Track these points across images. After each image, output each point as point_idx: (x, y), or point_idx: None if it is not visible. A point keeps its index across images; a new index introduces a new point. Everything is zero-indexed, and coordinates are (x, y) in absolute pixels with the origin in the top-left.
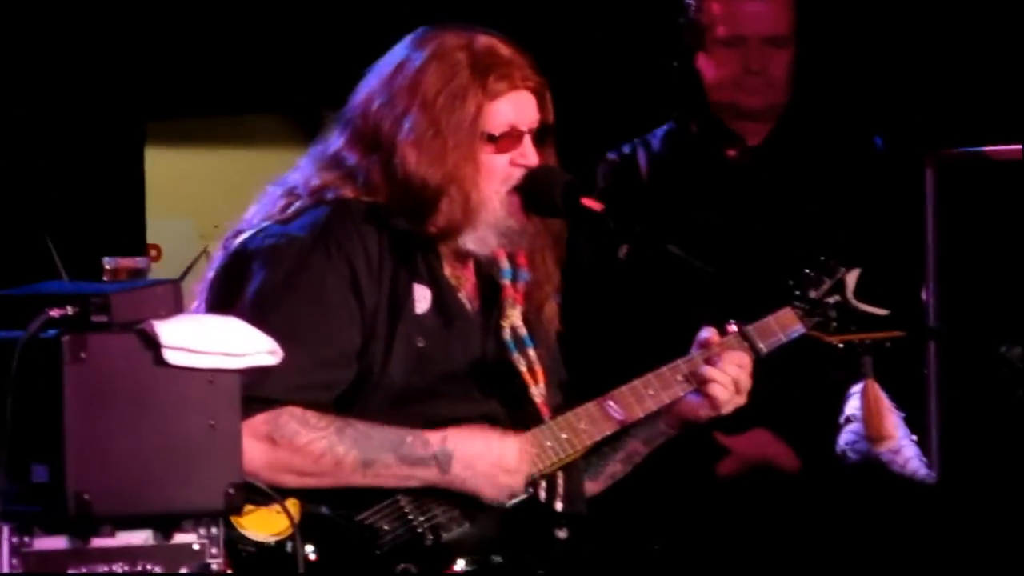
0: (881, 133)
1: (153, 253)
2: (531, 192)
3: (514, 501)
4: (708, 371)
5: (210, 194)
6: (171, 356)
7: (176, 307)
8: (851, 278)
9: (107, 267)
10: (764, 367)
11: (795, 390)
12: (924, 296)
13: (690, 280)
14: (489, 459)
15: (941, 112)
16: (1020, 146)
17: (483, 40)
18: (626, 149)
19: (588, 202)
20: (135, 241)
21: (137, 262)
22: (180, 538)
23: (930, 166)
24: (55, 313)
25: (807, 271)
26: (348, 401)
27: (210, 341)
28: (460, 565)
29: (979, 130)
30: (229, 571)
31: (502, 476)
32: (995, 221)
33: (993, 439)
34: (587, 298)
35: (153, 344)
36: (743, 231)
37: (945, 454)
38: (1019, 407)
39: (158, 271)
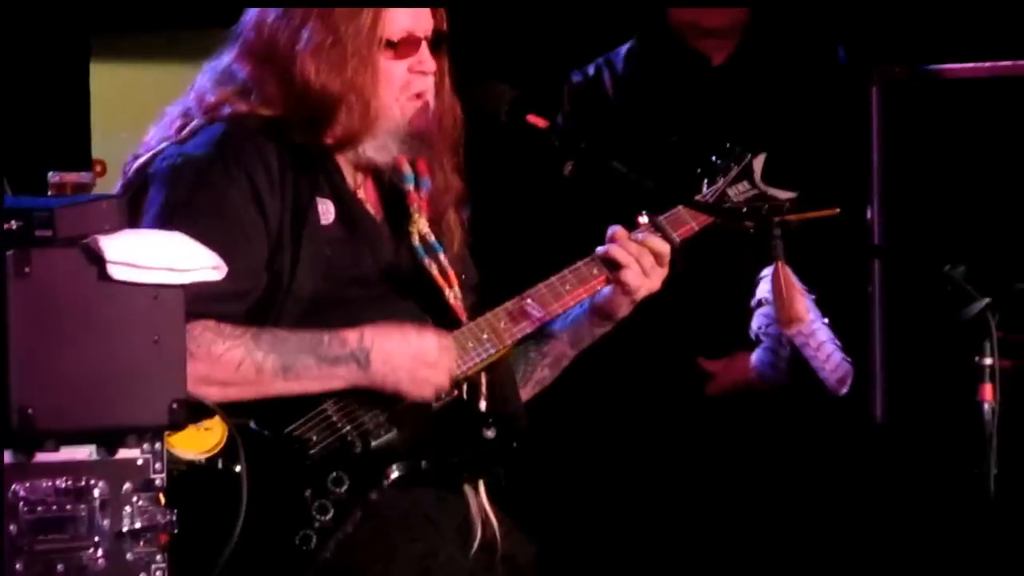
0: (842, 44)
1: (98, 168)
2: (477, 105)
3: (441, 400)
4: (613, 252)
5: (156, 110)
6: (115, 271)
7: (121, 223)
8: (758, 162)
9: (52, 181)
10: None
11: (705, 279)
12: (869, 214)
13: (635, 195)
14: (408, 353)
15: (889, 28)
16: (963, 65)
17: None
18: (590, 70)
19: (533, 119)
20: (80, 156)
21: (82, 177)
22: (124, 453)
23: (875, 82)
24: None
25: (714, 158)
26: (261, 313)
27: (154, 256)
28: (394, 472)
29: (927, 47)
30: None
31: (422, 369)
32: (939, 139)
33: (936, 358)
34: (535, 214)
35: (97, 259)
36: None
37: (889, 373)
38: (962, 326)
39: (103, 186)
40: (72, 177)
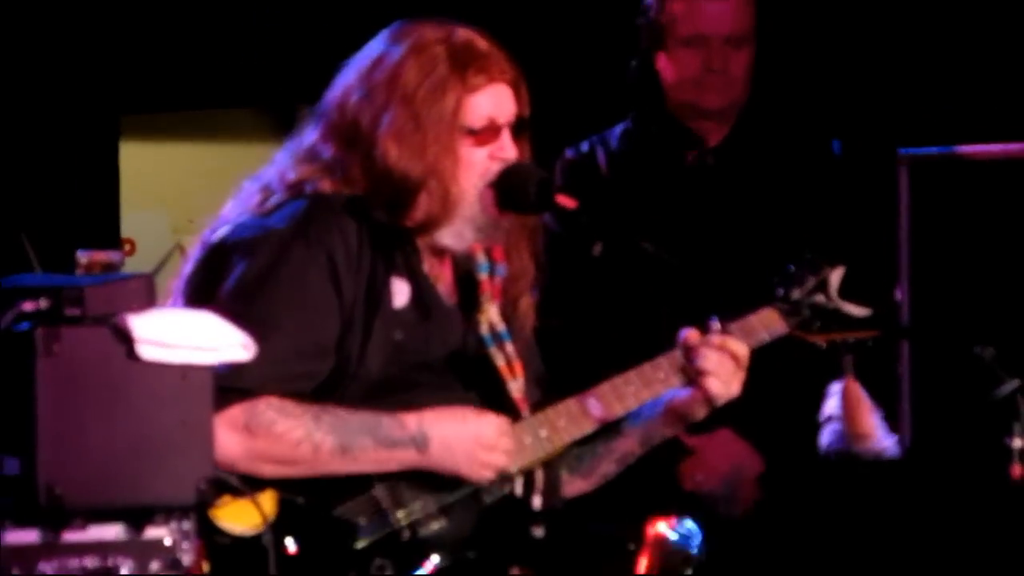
0: (842, 133)
1: (127, 247)
2: (506, 188)
3: (494, 495)
4: (699, 361)
5: (184, 188)
6: (144, 350)
7: (149, 301)
8: (835, 276)
9: (81, 260)
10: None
11: (770, 389)
12: (898, 295)
13: (664, 276)
14: (466, 436)
15: (911, 112)
16: (992, 146)
17: (461, 33)
18: (584, 147)
19: (562, 199)
20: (109, 234)
21: (111, 255)
22: (151, 532)
23: (903, 165)
24: (28, 306)
25: (790, 268)
26: (326, 393)
27: (183, 335)
28: (435, 561)
29: (949, 129)
30: (203, 564)
31: (481, 453)
32: (968, 220)
33: (966, 439)
34: (565, 293)
35: (126, 338)
36: (705, 232)
37: (917, 454)
38: (991, 406)
39: (132, 265)
40: (101, 256)
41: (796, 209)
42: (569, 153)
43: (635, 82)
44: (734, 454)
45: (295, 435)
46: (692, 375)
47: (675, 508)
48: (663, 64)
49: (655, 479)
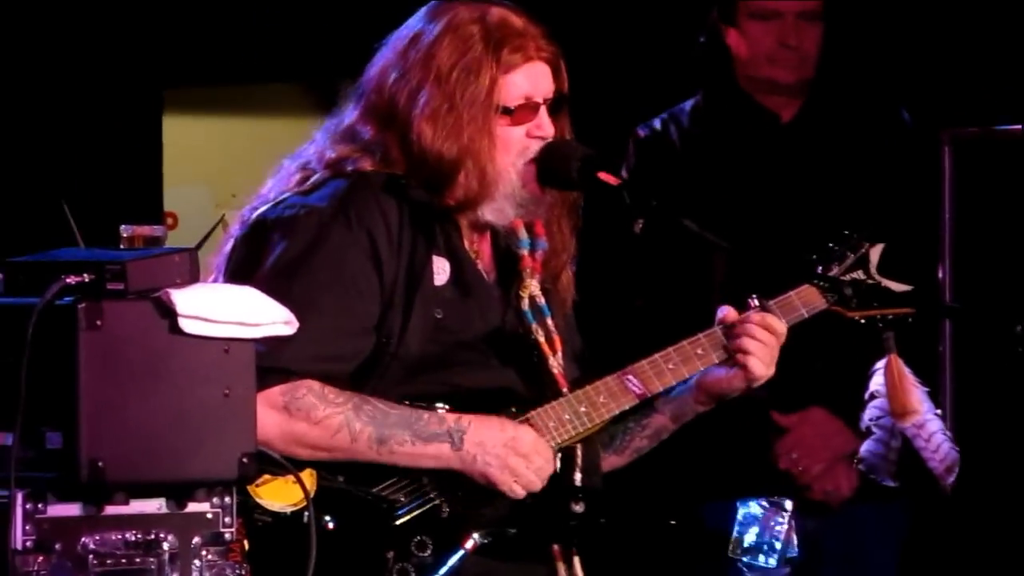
0: (906, 106)
1: (170, 221)
2: (547, 165)
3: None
4: (745, 342)
5: (227, 162)
6: (186, 325)
7: (192, 276)
8: (875, 253)
9: (124, 234)
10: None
11: (820, 367)
12: (940, 273)
13: (707, 254)
14: (502, 440)
15: (959, 89)
16: None
17: (496, 12)
18: (656, 123)
19: (604, 176)
20: (152, 209)
21: (154, 230)
22: (193, 507)
23: (947, 143)
24: (71, 280)
25: (831, 245)
26: (366, 371)
27: (226, 310)
28: (475, 537)
29: (998, 107)
30: (244, 540)
31: (513, 458)
32: (1010, 199)
33: (1007, 418)
34: (606, 270)
35: (169, 312)
36: (780, 206)
37: (959, 433)
38: None
39: (175, 239)
40: (144, 230)
41: (865, 183)
42: (642, 131)
43: (704, 58)
44: (829, 432)
45: (334, 422)
46: (732, 353)
47: (769, 487)
48: (734, 39)
49: (749, 458)
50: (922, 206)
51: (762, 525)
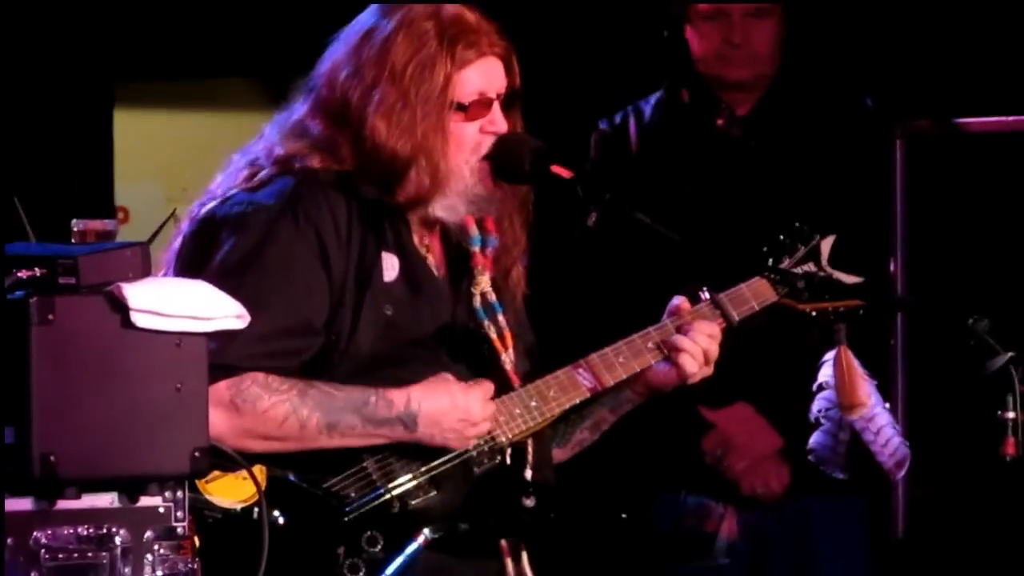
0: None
1: (121, 215)
2: (500, 159)
3: (484, 466)
4: (679, 340)
5: (178, 157)
6: (138, 319)
7: (144, 270)
8: (825, 245)
9: (75, 229)
10: (745, 337)
11: (773, 360)
12: (892, 267)
13: (660, 247)
14: (455, 415)
15: (912, 82)
16: (992, 118)
17: (450, 9)
18: (617, 119)
19: (557, 169)
20: (103, 203)
21: (105, 224)
22: (146, 501)
23: (899, 137)
24: (23, 274)
25: (781, 238)
26: (316, 369)
27: (178, 304)
28: (426, 532)
29: (950, 101)
30: (195, 536)
31: (469, 430)
32: (963, 192)
33: (959, 412)
34: (559, 264)
35: (121, 307)
36: (732, 200)
37: (911, 427)
38: (985, 380)
39: (126, 233)
40: (95, 225)
41: (819, 178)
42: (603, 124)
43: (667, 51)
44: (753, 429)
45: (280, 411)
46: (667, 351)
47: (696, 483)
48: (690, 36)
49: (676, 454)
50: (874, 198)
51: (698, 519)
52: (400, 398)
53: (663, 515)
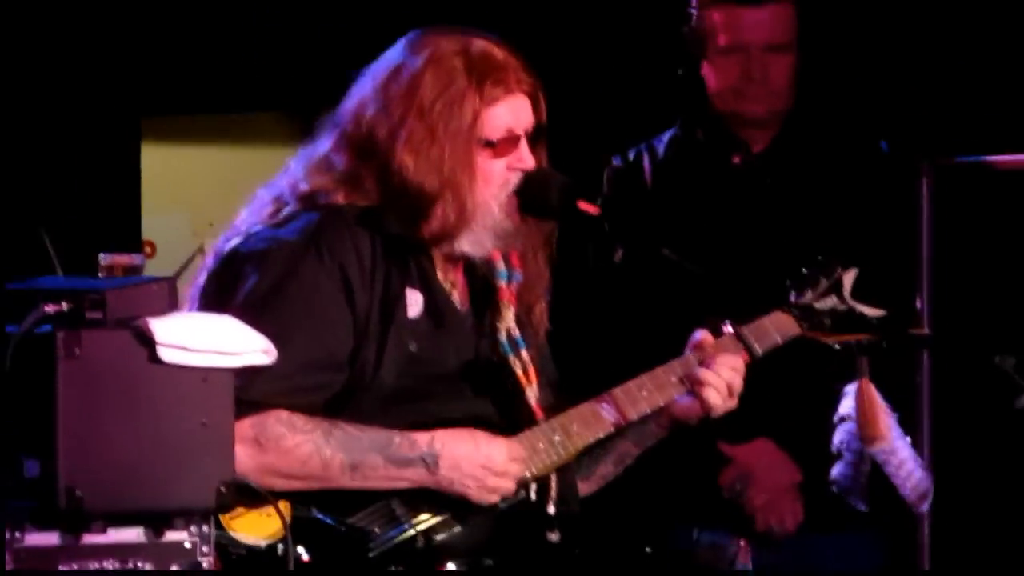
0: (884, 137)
1: (148, 250)
2: (528, 194)
3: (508, 501)
4: (702, 374)
5: (206, 191)
6: (165, 353)
7: (171, 304)
8: (848, 278)
9: (102, 263)
10: (765, 372)
11: (793, 393)
12: (918, 303)
13: (685, 282)
14: (477, 461)
15: (939, 119)
16: (1014, 156)
17: (478, 44)
18: (631, 154)
19: (584, 205)
20: (130, 237)
21: (132, 258)
22: (171, 536)
23: (926, 174)
24: (50, 309)
25: (804, 271)
26: (340, 404)
27: (204, 339)
28: (450, 567)
29: (977, 138)
30: (219, 572)
31: (490, 479)
32: (991, 229)
33: (985, 449)
34: (584, 299)
35: (147, 341)
36: (749, 237)
37: (938, 464)
38: (1011, 417)
39: (153, 268)
40: (123, 259)
41: (838, 214)
42: (616, 161)
43: (681, 88)
44: (773, 464)
45: (304, 450)
46: (690, 385)
47: (714, 518)
48: (706, 72)
49: (695, 488)
50: (892, 233)
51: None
52: (423, 439)
53: (675, 549)
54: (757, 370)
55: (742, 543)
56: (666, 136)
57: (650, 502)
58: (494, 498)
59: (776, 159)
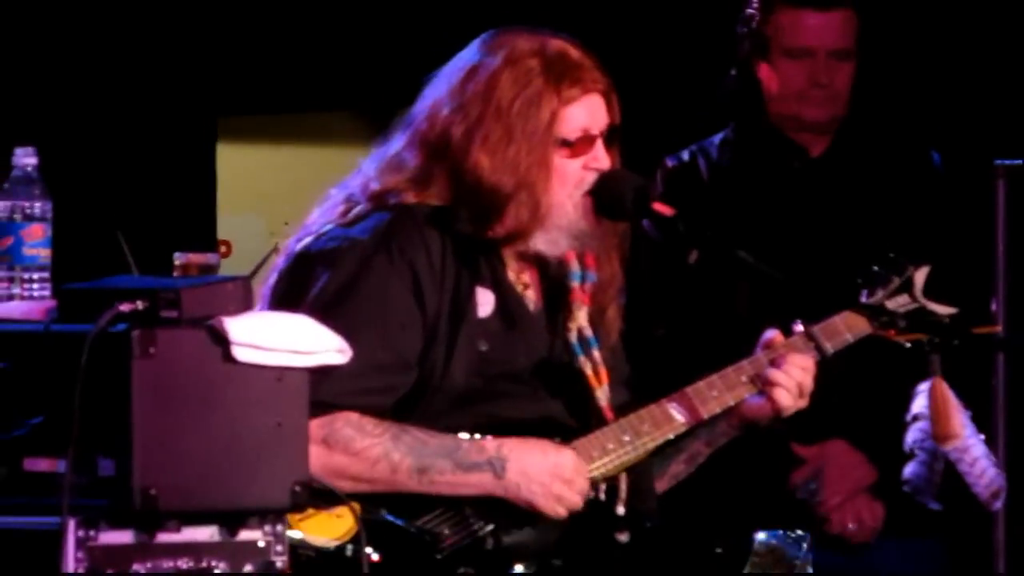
0: (940, 144)
1: (223, 249)
2: (603, 195)
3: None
4: (773, 374)
5: (280, 191)
6: (240, 353)
7: (246, 304)
8: (920, 276)
9: (177, 262)
10: (838, 372)
11: (866, 393)
12: (994, 306)
13: (759, 285)
14: (545, 467)
15: (1015, 121)
16: None
17: (554, 44)
18: (685, 156)
19: (659, 207)
20: (205, 237)
21: (207, 258)
22: (245, 535)
23: (1001, 176)
24: (125, 308)
25: (875, 268)
26: (409, 404)
27: (279, 338)
28: (520, 569)
29: None
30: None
31: (558, 485)
32: None
33: None
34: (656, 301)
35: (222, 340)
36: (813, 240)
37: (1012, 466)
38: None
39: (228, 267)
40: (198, 258)
41: (895, 219)
42: (670, 162)
43: (735, 91)
44: (849, 465)
45: (373, 453)
46: (761, 385)
47: (786, 519)
48: (765, 74)
49: (767, 489)
50: (965, 232)
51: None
52: (492, 444)
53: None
54: (830, 370)
55: (806, 545)
56: (717, 139)
57: (726, 502)
58: (560, 509)
59: (835, 163)
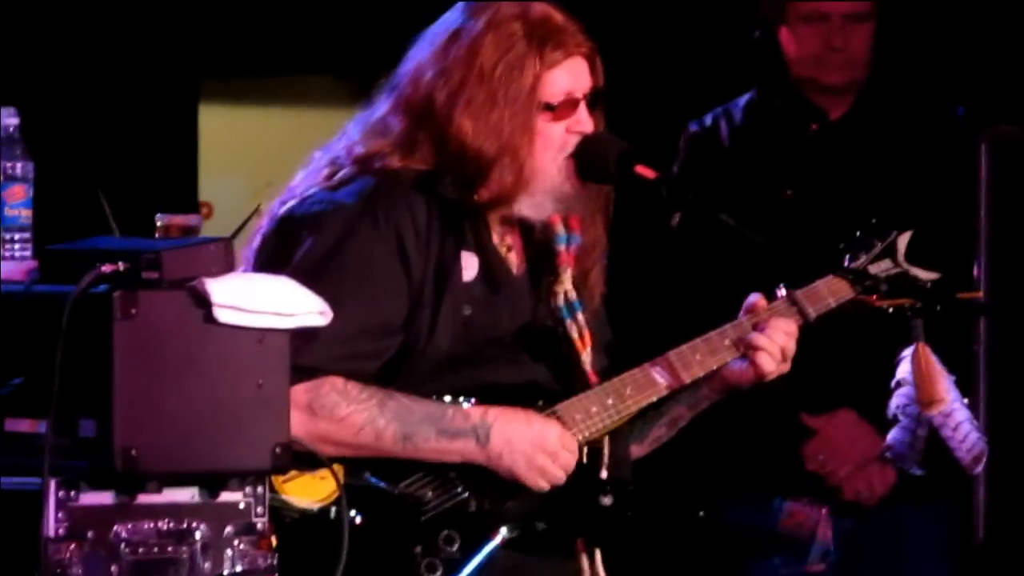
0: (952, 105)
1: (205, 210)
2: (586, 158)
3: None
4: (756, 338)
5: (263, 152)
6: (221, 314)
7: (228, 265)
8: (902, 241)
9: (159, 224)
10: (838, 342)
11: (868, 362)
12: (976, 272)
13: (739, 247)
14: (529, 437)
15: (998, 88)
16: None
17: (537, 8)
18: (707, 120)
19: (642, 169)
20: (187, 198)
21: (189, 219)
22: (226, 496)
23: (985, 142)
24: (106, 269)
25: (858, 234)
26: (393, 369)
27: (261, 300)
28: (503, 532)
29: None
30: (272, 535)
31: (540, 456)
32: None
33: None
34: (639, 264)
35: (204, 302)
36: (826, 202)
37: (993, 432)
38: None
39: (210, 228)
40: (179, 219)
41: (909, 183)
42: (693, 127)
43: (758, 53)
44: (857, 435)
45: (358, 420)
46: (743, 349)
47: (797, 489)
48: (784, 38)
49: (778, 460)
50: (954, 200)
51: (796, 523)
52: (477, 412)
53: (759, 519)
54: (827, 339)
55: (823, 512)
56: (742, 101)
57: (708, 466)
58: (542, 482)
59: (854, 126)
